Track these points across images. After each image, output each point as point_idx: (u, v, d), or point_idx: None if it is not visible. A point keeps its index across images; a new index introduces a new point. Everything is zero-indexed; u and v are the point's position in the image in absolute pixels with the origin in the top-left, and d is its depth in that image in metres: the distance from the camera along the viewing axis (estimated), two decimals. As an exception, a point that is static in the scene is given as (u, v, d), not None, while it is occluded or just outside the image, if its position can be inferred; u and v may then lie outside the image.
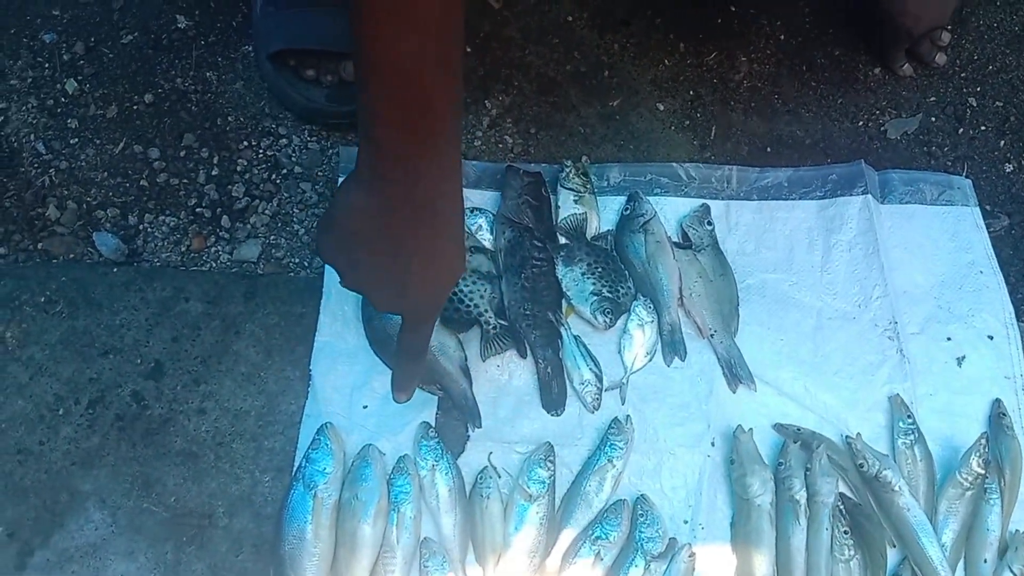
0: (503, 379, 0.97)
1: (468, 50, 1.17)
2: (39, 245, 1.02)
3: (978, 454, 0.91)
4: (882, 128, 1.20)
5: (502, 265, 1.02)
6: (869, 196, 1.09)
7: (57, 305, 0.98)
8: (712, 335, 1.00)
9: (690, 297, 1.02)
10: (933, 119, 1.22)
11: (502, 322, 0.98)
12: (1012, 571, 0.88)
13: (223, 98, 1.13)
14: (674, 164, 1.12)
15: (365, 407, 0.93)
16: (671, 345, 0.99)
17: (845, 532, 0.88)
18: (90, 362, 0.95)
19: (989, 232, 1.10)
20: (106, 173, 1.07)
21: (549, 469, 0.89)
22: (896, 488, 0.89)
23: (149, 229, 1.04)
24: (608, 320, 0.99)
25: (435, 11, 0.60)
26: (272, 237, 1.05)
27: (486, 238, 1.04)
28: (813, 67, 1.24)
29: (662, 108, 1.19)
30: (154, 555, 0.86)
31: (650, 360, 0.99)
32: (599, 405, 0.95)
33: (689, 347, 0.99)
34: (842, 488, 0.92)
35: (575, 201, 1.06)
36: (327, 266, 0.99)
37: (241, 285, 1.00)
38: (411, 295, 0.75)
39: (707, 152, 1.16)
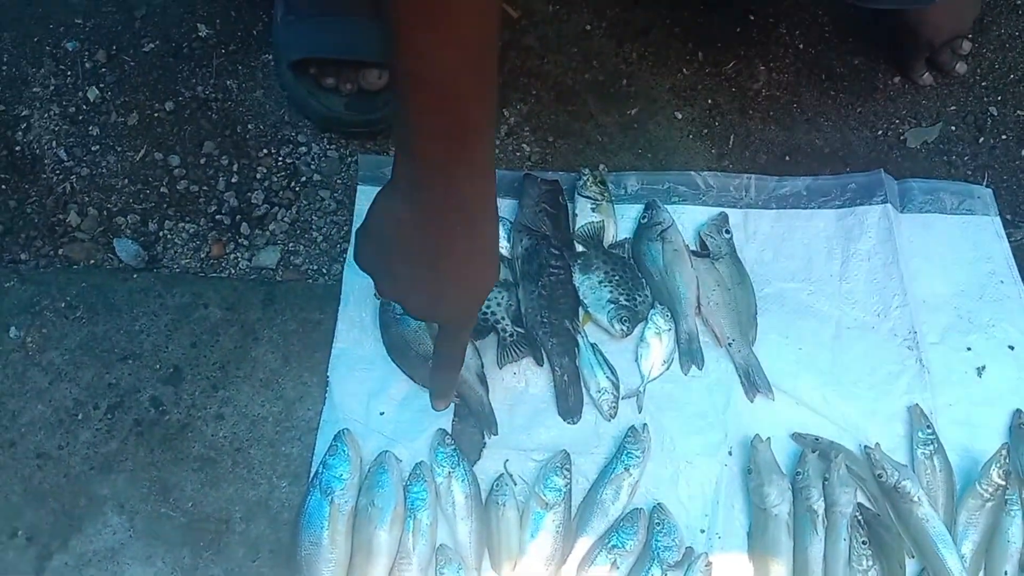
0: (519, 387, 0.97)
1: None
2: (60, 251, 1.03)
3: (998, 465, 0.90)
4: (902, 137, 1.20)
5: (519, 273, 1.02)
6: (888, 205, 1.09)
7: (77, 310, 0.98)
8: (730, 344, 0.99)
9: (708, 306, 1.01)
10: (953, 128, 1.21)
11: (519, 329, 0.98)
12: (1033, 584, 0.87)
13: (243, 106, 1.14)
14: (692, 172, 1.12)
15: (382, 413, 0.94)
16: (688, 354, 0.99)
17: (863, 543, 0.87)
18: (109, 367, 0.95)
19: (1010, 242, 1.09)
20: (127, 180, 1.08)
21: (565, 477, 0.89)
22: (915, 499, 0.88)
23: (169, 235, 1.05)
24: (625, 328, 0.99)
25: (473, 22, 0.60)
26: (291, 244, 1.05)
27: (503, 246, 1.04)
28: (832, 76, 1.24)
29: (680, 117, 1.19)
30: (171, 560, 0.86)
31: (667, 368, 0.98)
32: (616, 413, 0.95)
33: (707, 356, 0.99)
34: (860, 498, 0.91)
35: (592, 209, 1.06)
36: (345, 274, 1.00)
37: (260, 292, 1.01)
38: (448, 303, 0.76)
39: (725, 160, 1.16)
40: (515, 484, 0.90)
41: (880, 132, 1.20)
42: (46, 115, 1.12)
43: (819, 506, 0.88)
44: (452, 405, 0.94)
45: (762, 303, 1.03)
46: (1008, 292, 1.05)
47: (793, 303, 1.04)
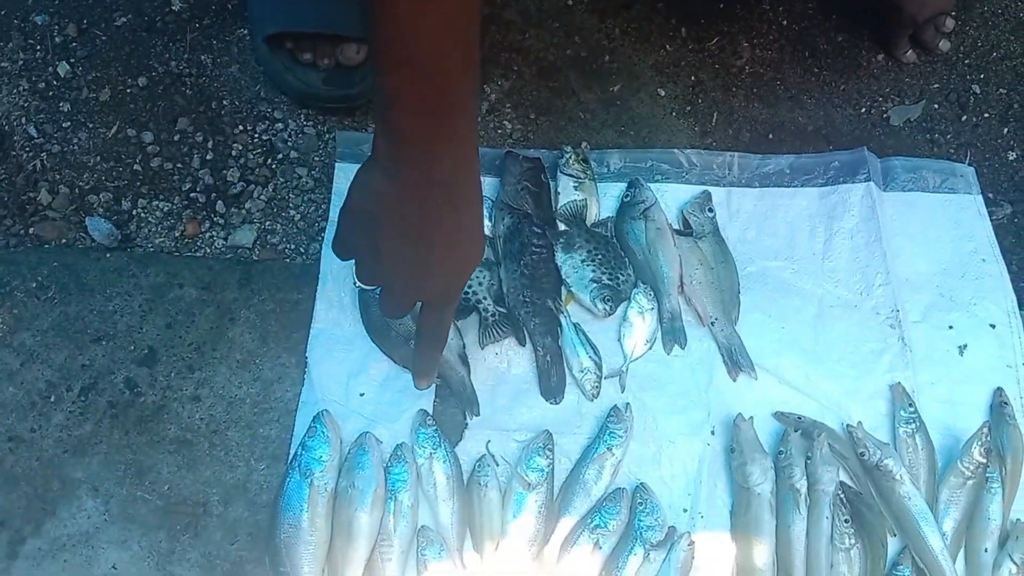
0: (502, 367, 0.96)
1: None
2: (31, 230, 1.01)
3: (980, 443, 0.91)
4: (885, 115, 1.19)
5: (501, 252, 1.01)
6: (871, 183, 1.08)
7: (49, 291, 0.96)
8: (713, 323, 0.99)
9: (691, 285, 1.01)
10: (936, 106, 1.20)
11: (501, 309, 0.97)
12: (1013, 560, 0.87)
13: (218, 82, 1.12)
14: (675, 150, 1.11)
15: (362, 394, 0.93)
16: (671, 333, 0.98)
17: (846, 521, 0.87)
18: (82, 348, 0.94)
19: (992, 220, 1.09)
20: (99, 157, 1.06)
21: (548, 457, 0.88)
22: (897, 477, 0.88)
23: (142, 214, 1.03)
24: (608, 307, 0.98)
25: None
26: (267, 223, 1.03)
27: (485, 224, 1.02)
28: (816, 53, 1.23)
29: (663, 94, 1.18)
30: (148, 544, 0.85)
31: (650, 348, 0.98)
32: (598, 393, 0.94)
33: (689, 335, 0.99)
34: (843, 477, 0.91)
35: (575, 187, 1.05)
36: (323, 253, 0.99)
37: (236, 271, 0.99)
38: (431, 280, 0.75)
39: (708, 138, 1.15)
40: (497, 465, 0.89)
41: (863, 110, 1.20)
42: (15, 91, 1.09)
43: (801, 485, 0.88)
44: (433, 386, 0.93)
45: (745, 282, 1.02)
46: (990, 271, 1.05)
47: (776, 282, 1.03)
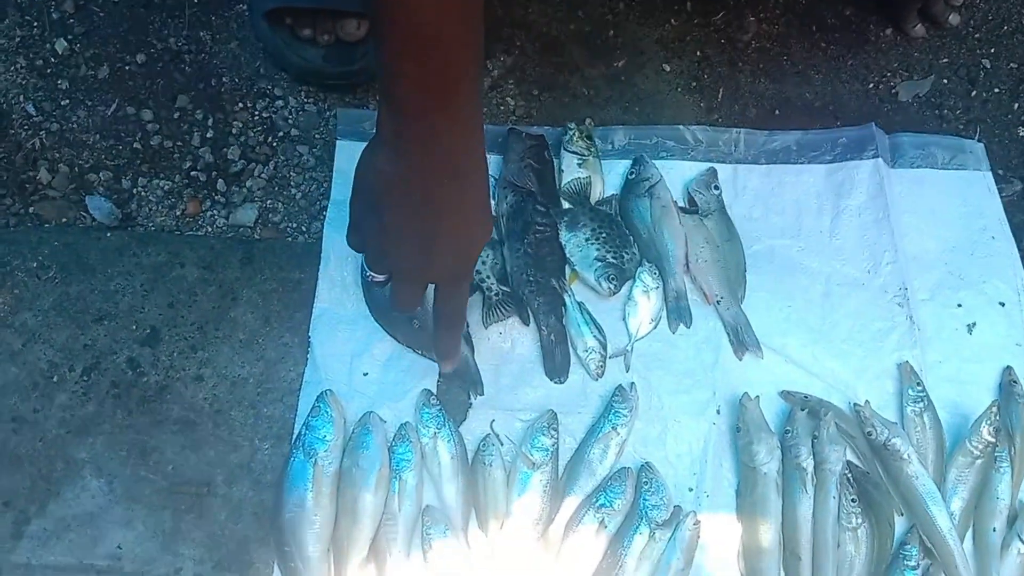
0: (505, 346, 0.95)
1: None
2: (30, 209, 1.00)
3: (988, 422, 0.90)
4: (893, 90, 1.18)
5: (504, 231, 1.00)
6: (879, 160, 1.07)
7: (50, 270, 0.96)
8: (718, 301, 0.98)
9: (696, 263, 1.00)
10: (945, 81, 1.19)
11: (504, 288, 0.96)
12: (1021, 540, 0.87)
13: (217, 58, 1.10)
14: (680, 127, 1.09)
15: (366, 374, 0.92)
16: (676, 312, 0.97)
17: (852, 500, 0.87)
18: (84, 328, 0.93)
19: (1002, 197, 1.08)
20: (98, 135, 1.05)
21: (552, 437, 0.88)
22: (905, 456, 0.88)
23: (143, 193, 1.02)
24: (612, 286, 0.97)
25: None
26: (269, 201, 1.02)
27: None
28: (823, 27, 1.21)
29: (668, 69, 1.16)
30: (152, 523, 0.85)
31: (655, 327, 0.97)
32: (603, 372, 0.93)
33: (695, 314, 0.98)
34: (850, 456, 0.90)
35: (579, 165, 1.04)
36: (326, 232, 0.98)
37: (238, 250, 0.98)
38: (440, 256, 0.73)
39: (714, 114, 1.13)
40: (502, 444, 0.89)
41: (871, 85, 1.18)
42: (12, 68, 1.07)
43: (808, 464, 0.88)
44: (437, 366, 0.93)
45: (751, 260, 1.01)
46: (999, 248, 1.04)
47: (783, 260, 1.02)
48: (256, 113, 1.07)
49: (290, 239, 1.00)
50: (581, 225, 1.00)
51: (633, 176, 1.04)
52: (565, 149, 1.05)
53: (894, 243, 1.02)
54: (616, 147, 1.08)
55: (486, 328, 0.95)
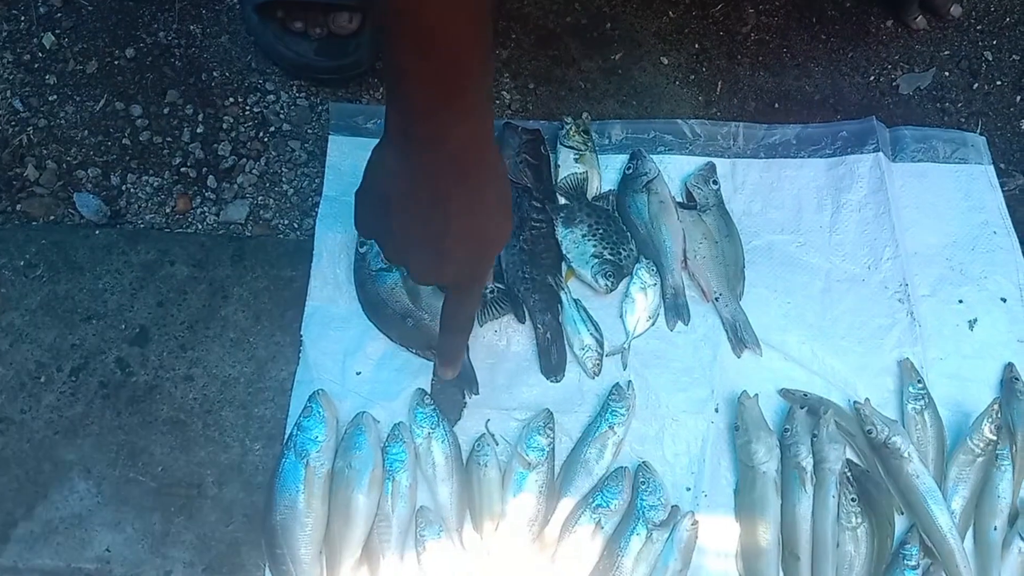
0: (501, 345, 0.94)
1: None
2: (18, 207, 0.99)
3: (990, 420, 0.89)
4: (894, 83, 1.16)
5: (499, 226, 0.98)
6: (880, 154, 1.06)
7: (37, 269, 0.94)
8: (717, 298, 0.97)
9: (694, 259, 0.98)
10: (947, 74, 1.17)
11: (499, 286, 0.95)
12: (1023, 539, 0.86)
13: (208, 52, 1.09)
14: (678, 121, 1.08)
15: (358, 373, 0.91)
16: (674, 309, 0.96)
17: (852, 500, 0.86)
18: (72, 328, 0.92)
19: (1003, 191, 1.07)
20: (86, 131, 1.03)
21: (548, 436, 0.87)
22: (905, 454, 0.87)
23: (132, 189, 1.01)
24: (609, 283, 0.96)
25: None
26: (260, 198, 1.01)
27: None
28: (823, 19, 1.20)
29: (666, 62, 1.15)
30: (141, 526, 0.84)
31: (652, 324, 0.96)
32: (600, 371, 0.92)
33: (693, 311, 0.97)
34: (849, 455, 0.89)
35: (575, 160, 1.02)
36: (318, 229, 0.96)
37: (228, 248, 0.97)
38: (451, 260, 0.71)
39: (713, 108, 1.12)
40: (497, 444, 0.88)
41: (872, 78, 1.16)
42: (-1, 63, 1.06)
43: (807, 463, 0.87)
44: (431, 364, 0.91)
45: (750, 256, 1.00)
46: (1001, 243, 1.03)
47: (782, 256, 1.01)
48: (247, 108, 1.06)
49: (282, 236, 0.99)
50: (577, 221, 0.99)
51: (630, 171, 1.03)
52: (561, 144, 1.03)
53: (895, 238, 1.01)
54: (613, 141, 1.07)
55: (481, 326, 0.93)
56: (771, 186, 1.05)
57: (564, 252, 0.98)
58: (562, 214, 1.00)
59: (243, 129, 1.04)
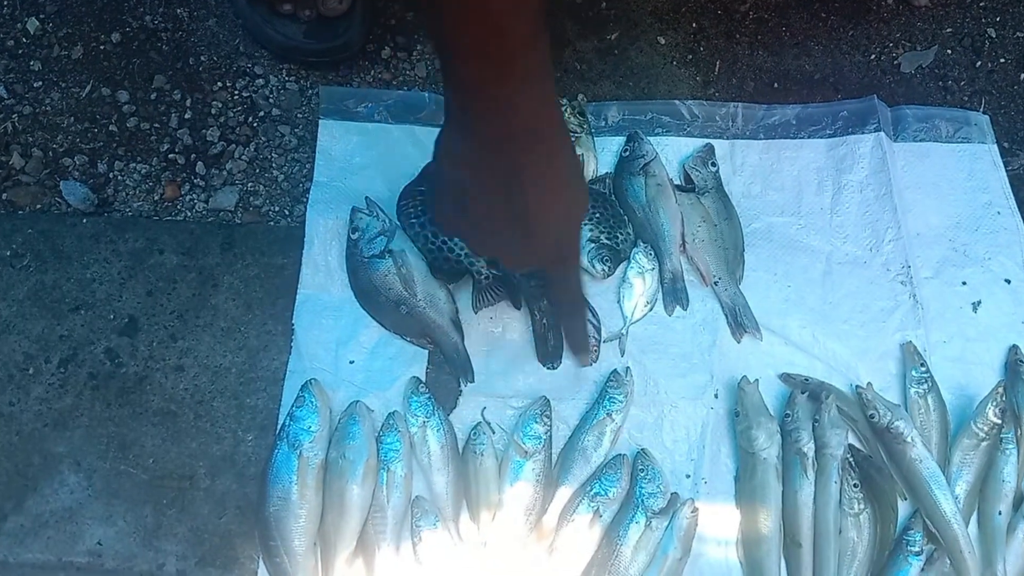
0: (496, 331, 0.92)
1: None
2: (3, 196, 0.97)
3: (994, 403, 0.88)
4: (895, 61, 1.14)
5: (494, 211, 0.96)
6: (882, 134, 1.04)
7: (24, 259, 0.93)
8: (716, 282, 0.95)
9: (693, 243, 0.97)
10: (949, 51, 1.15)
11: (495, 271, 0.93)
12: (1028, 523, 0.85)
13: (195, 36, 1.07)
14: (676, 101, 1.06)
15: (352, 362, 0.89)
16: (673, 293, 0.95)
17: (855, 485, 0.85)
18: (60, 318, 0.90)
19: (1007, 171, 1.05)
20: (73, 118, 1.01)
21: (545, 424, 0.86)
22: (908, 439, 0.85)
23: (119, 177, 0.99)
24: (607, 268, 0.94)
25: None
26: (250, 184, 0.99)
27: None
28: (823, -4, 1.18)
29: (663, 42, 1.12)
30: (133, 519, 0.83)
31: (651, 309, 0.94)
32: (597, 357, 0.91)
33: (692, 295, 0.95)
34: (852, 440, 0.88)
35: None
36: (309, 215, 0.95)
37: (218, 235, 0.95)
38: (539, 237, 0.69)
39: (711, 88, 1.10)
40: (493, 432, 0.87)
41: (873, 56, 1.14)
42: (-18, 49, 1.04)
43: (809, 449, 0.85)
44: (425, 352, 0.90)
45: (750, 239, 0.99)
46: (1005, 224, 1.01)
47: (782, 238, 0.99)
48: (236, 92, 1.04)
49: (272, 223, 0.97)
50: (573, 205, 0.97)
51: (627, 153, 1.01)
52: (556, 126, 1.01)
53: (897, 219, 0.99)
54: (609, 123, 1.05)
55: (476, 313, 0.92)
56: (771, 167, 1.03)
57: (560, 237, 0.96)
58: (558, 198, 0.98)
59: (232, 114, 1.02)
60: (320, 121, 1.00)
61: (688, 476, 0.87)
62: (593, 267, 0.94)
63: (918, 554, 0.83)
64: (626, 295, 0.94)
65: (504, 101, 0.62)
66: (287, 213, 0.98)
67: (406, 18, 1.09)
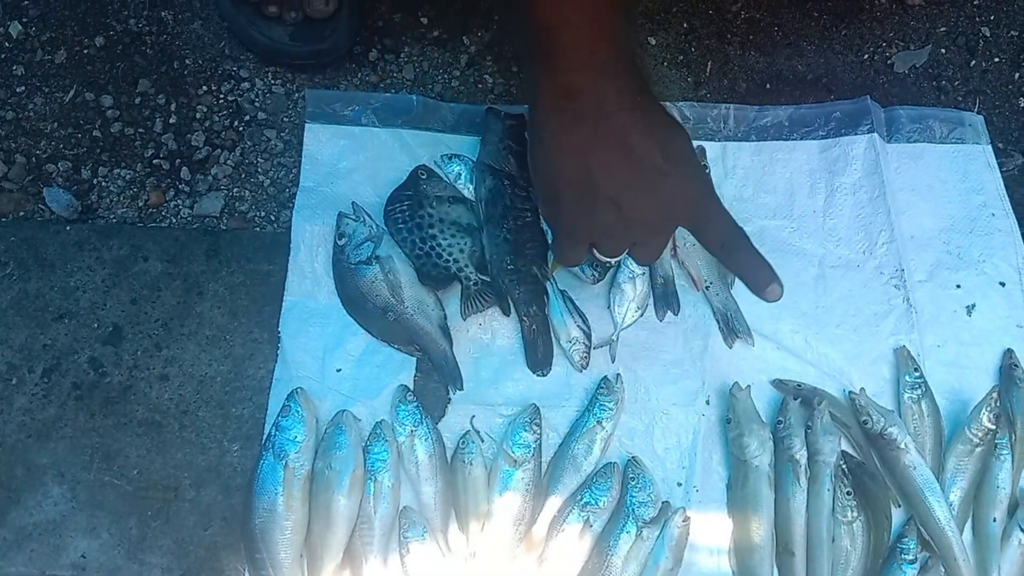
0: (485, 338, 0.91)
1: (444, -18, 1.08)
2: (-15, 202, 0.96)
3: (988, 408, 0.87)
4: (889, 61, 1.13)
5: (483, 216, 0.95)
6: (875, 135, 1.03)
7: (7, 267, 0.92)
8: (707, 287, 0.94)
9: (684, 247, 0.96)
10: (943, 51, 1.14)
11: (483, 277, 0.92)
12: (1022, 530, 0.84)
13: (180, 39, 1.05)
14: (667, 103, 1.05)
15: (339, 370, 0.88)
16: (664, 298, 0.94)
17: (848, 493, 0.84)
18: (44, 327, 0.89)
19: (1002, 171, 1.04)
20: (56, 123, 1.00)
21: (535, 432, 0.85)
22: (902, 445, 0.85)
23: (103, 183, 0.98)
24: (597, 273, 0.93)
25: None
26: (235, 189, 0.98)
27: (465, 187, 0.97)
28: (815, -4, 1.16)
29: (653, 42, 1.11)
30: (118, 531, 0.82)
31: (641, 315, 0.93)
32: (587, 364, 0.90)
33: (683, 300, 0.94)
34: (844, 446, 0.87)
35: (560, 145, 0.99)
36: (295, 221, 0.93)
37: (203, 242, 0.94)
38: (677, 195, 0.70)
39: (702, 90, 1.09)
40: (482, 441, 0.86)
41: (866, 56, 1.13)
42: (-36, 53, 1.03)
43: (801, 455, 0.85)
44: (413, 359, 0.89)
45: (742, 242, 0.98)
46: (1000, 225, 1.00)
47: (774, 241, 0.98)
48: (221, 96, 1.02)
49: (258, 229, 0.96)
50: (563, 209, 0.96)
51: (617, 156, 1.00)
52: (546, 129, 1.00)
53: (890, 222, 0.98)
54: (599, 126, 1.04)
55: (465, 320, 0.91)
56: (763, 170, 1.02)
57: (550, 242, 0.95)
58: (547, 202, 0.97)
59: (217, 119, 1.01)
60: (306, 125, 0.98)
61: (679, 484, 0.86)
62: (583, 272, 0.93)
63: (912, 562, 0.82)
64: (617, 300, 0.93)
65: (601, 70, 0.65)
66: (273, 219, 0.96)
67: (393, 20, 1.07)
